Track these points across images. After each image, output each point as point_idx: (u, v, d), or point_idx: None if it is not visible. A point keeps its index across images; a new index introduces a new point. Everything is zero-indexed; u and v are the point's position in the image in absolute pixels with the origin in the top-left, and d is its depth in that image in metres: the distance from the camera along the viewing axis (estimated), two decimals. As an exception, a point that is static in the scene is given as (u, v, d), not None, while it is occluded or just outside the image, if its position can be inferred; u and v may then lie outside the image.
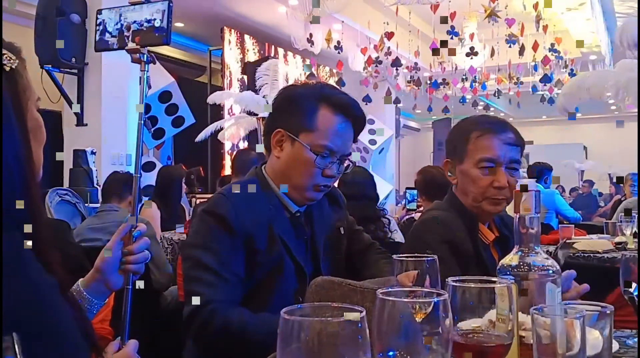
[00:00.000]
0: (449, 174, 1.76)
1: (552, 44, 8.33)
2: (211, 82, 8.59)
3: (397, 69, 8.01)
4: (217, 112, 7.46)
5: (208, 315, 1.36)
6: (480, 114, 1.86)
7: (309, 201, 1.58)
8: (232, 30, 8.34)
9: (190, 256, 1.47)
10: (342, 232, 1.71)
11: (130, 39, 1.36)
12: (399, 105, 11.13)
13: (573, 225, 3.37)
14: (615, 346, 1.09)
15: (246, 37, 8.64)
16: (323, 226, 1.63)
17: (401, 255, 1.12)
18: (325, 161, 1.51)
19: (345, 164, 1.59)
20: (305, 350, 0.53)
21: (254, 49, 8.81)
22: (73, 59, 5.39)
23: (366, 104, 8.88)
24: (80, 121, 5.73)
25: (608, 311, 0.81)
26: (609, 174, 12.96)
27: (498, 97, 10.40)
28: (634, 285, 1.01)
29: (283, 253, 1.49)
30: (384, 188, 8.81)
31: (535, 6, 7.14)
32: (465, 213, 1.68)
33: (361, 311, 0.55)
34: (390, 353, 0.65)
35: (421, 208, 4.91)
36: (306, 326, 0.53)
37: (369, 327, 0.57)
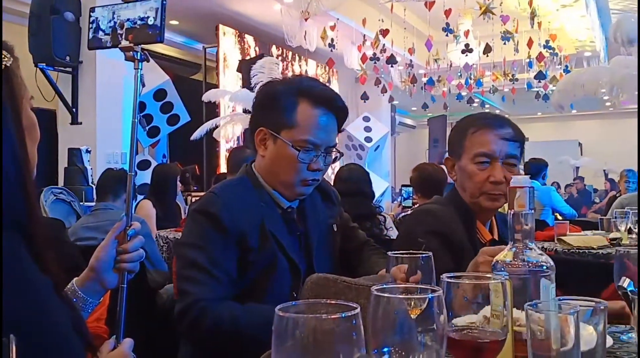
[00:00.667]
0: (451, 171, 1.77)
1: (547, 41, 8.35)
2: (206, 80, 8.57)
3: (391, 66, 8.00)
4: (213, 110, 7.45)
5: (198, 313, 1.36)
6: (481, 112, 1.86)
7: (300, 196, 1.58)
8: (228, 28, 8.32)
9: (183, 255, 1.48)
10: (335, 229, 1.70)
11: (123, 37, 1.36)
12: (394, 102, 11.15)
13: (568, 221, 3.38)
14: (610, 341, 1.09)
15: (247, 36, 8.62)
16: (316, 223, 1.62)
17: (396, 252, 1.12)
18: (309, 156, 1.51)
19: (332, 156, 1.58)
20: (300, 347, 0.53)
21: (255, 48, 8.79)
22: (67, 58, 5.37)
23: (364, 101, 8.90)
24: (74, 119, 5.71)
25: (602, 307, 0.81)
26: (604, 171, 13.00)
27: (493, 94, 10.43)
28: (627, 280, 1.02)
29: (276, 250, 1.48)
30: (379, 185, 8.82)
31: (530, 3, 7.15)
32: (464, 208, 1.68)
33: (356, 308, 0.55)
34: (385, 349, 0.65)
35: (417, 205, 4.92)
36: (301, 323, 0.53)
37: (363, 323, 0.57)
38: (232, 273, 1.44)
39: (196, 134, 6.46)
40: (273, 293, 1.47)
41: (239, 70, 8.06)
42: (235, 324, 1.36)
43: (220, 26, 8.15)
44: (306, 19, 7.26)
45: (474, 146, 1.65)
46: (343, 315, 0.53)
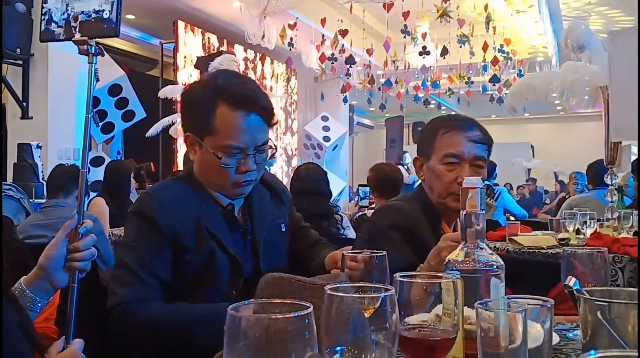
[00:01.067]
0: (419, 171, 1.79)
1: (501, 45, 8.55)
2: (163, 76, 8.44)
3: (350, 67, 8.05)
4: (169, 106, 7.33)
5: (121, 314, 1.35)
6: (450, 114, 1.89)
7: (238, 197, 1.56)
8: (187, 24, 8.20)
9: (117, 255, 1.48)
10: (284, 229, 1.67)
11: (77, 29, 1.32)
12: (351, 102, 11.22)
13: (519, 222, 3.47)
14: (556, 338, 1.13)
15: (209, 34, 8.52)
16: (263, 222, 1.60)
17: (351, 251, 1.13)
18: (234, 160, 1.46)
19: (267, 154, 1.53)
20: (253, 346, 0.53)
21: (222, 48, 8.70)
22: (18, 50, 5.21)
23: (322, 100, 8.93)
24: (25, 114, 5.54)
25: (549, 305, 0.84)
26: (555, 173, 13.39)
27: (449, 96, 10.61)
28: (573, 279, 1.05)
29: (214, 247, 1.46)
30: (337, 185, 8.87)
31: (485, 7, 7.30)
32: (430, 208, 1.71)
33: (308, 307, 0.55)
34: (338, 348, 0.66)
35: (373, 205, 4.97)
36: (253, 322, 0.53)
37: (317, 322, 0.57)
38: (163, 276, 1.42)
39: (152, 131, 6.35)
40: (212, 292, 1.45)
41: (196, 67, 7.97)
42: (158, 326, 1.35)
43: (179, 22, 8.04)
44: (265, 17, 7.22)
45: (444, 147, 1.68)
46: (296, 314, 0.54)
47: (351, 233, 3.59)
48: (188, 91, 1.55)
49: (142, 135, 6.41)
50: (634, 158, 5.14)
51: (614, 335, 0.81)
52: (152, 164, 6.64)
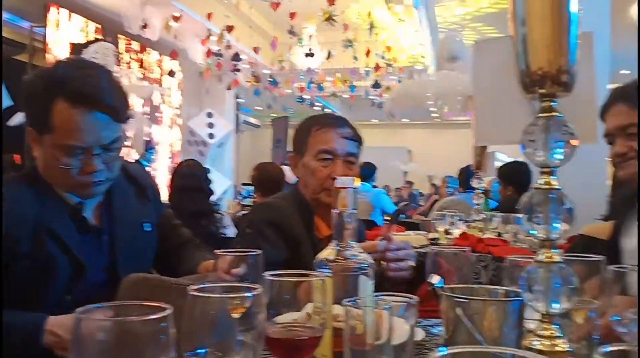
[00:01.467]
0: (294, 168, 1.81)
1: (383, 52, 8.87)
2: (32, 62, 7.84)
3: (236, 64, 7.98)
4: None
5: None
6: (323, 112, 1.94)
7: (91, 197, 1.43)
8: (63, 10, 7.68)
9: None
10: (149, 228, 1.56)
11: None
12: (238, 100, 11.12)
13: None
14: (422, 334, 1.18)
15: (76, 16, 8.01)
16: (124, 221, 1.49)
17: (225, 250, 1.10)
18: (76, 160, 1.33)
19: (120, 151, 1.41)
20: (103, 353, 0.49)
21: (105, 36, 8.20)
22: None
23: (206, 95, 8.76)
24: None
25: (413, 302, 0.87)
26: (429, 176, 14.11)
27: (335, 99, 10.84)
28: (436, 277, 1.10)
29: (54, 251, 1.33)
30: (221, 183, 8.73)
31: (369, 14, 7.54)
32: (303, 204, 1.73)
33: (166, 309, 0.52)
34: (200, 351, 0.63)
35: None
36: (102, 327, 0.49)
37: (181, 324, 0.55)
38: None
39: (15, 120, 5.85)
40: (46, 299, 1.33)
41: (71, 54, 7.50)
42: None
43: (51, 6, 7.51)
44: (147, 6, 6.95)
45: (317, 144, 1.71)
46: (152, 316, 0.50)
47: (231, 232, 3.55)
48: (27, 82, 1.39)
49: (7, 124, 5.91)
50: (497, 164, 5.54)
51: (472, 331, 0.85)
52: (15, 156, 6.15)
